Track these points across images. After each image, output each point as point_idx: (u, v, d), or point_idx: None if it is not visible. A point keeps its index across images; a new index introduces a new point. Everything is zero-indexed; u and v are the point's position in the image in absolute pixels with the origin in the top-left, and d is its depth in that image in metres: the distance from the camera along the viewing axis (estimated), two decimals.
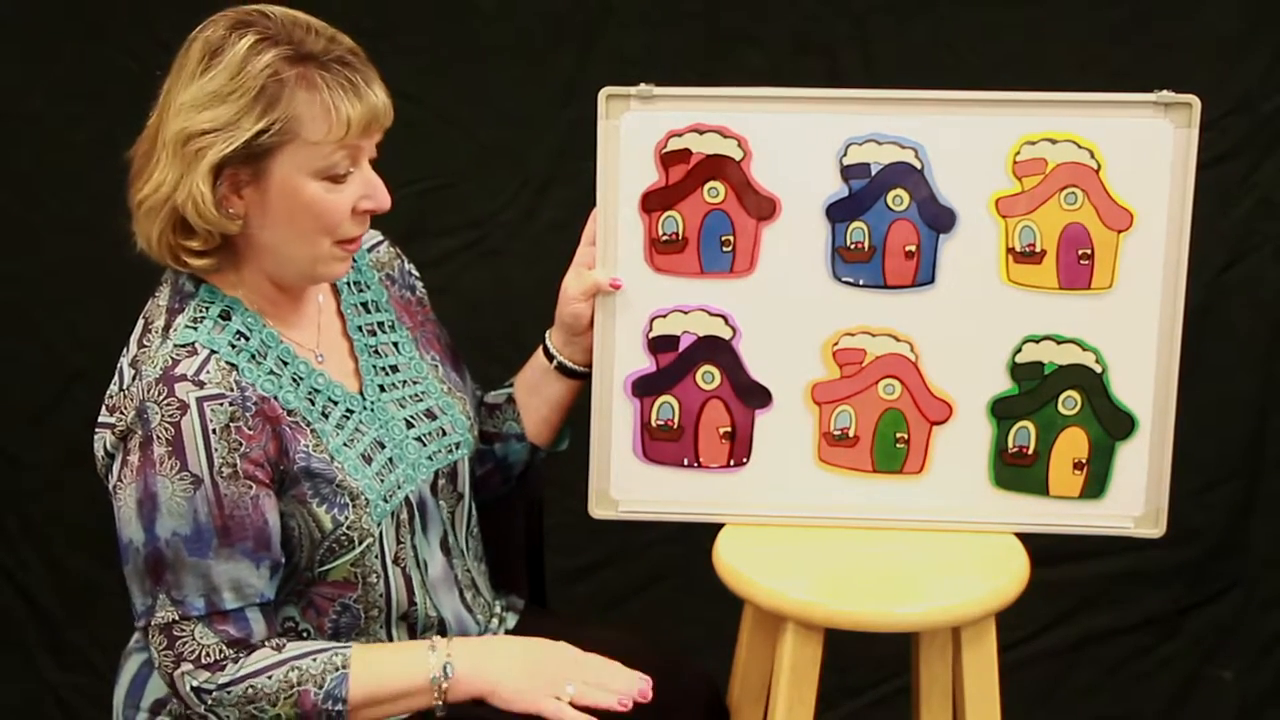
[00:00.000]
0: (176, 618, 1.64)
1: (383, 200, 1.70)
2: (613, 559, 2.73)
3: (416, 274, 1.94)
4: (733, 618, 1.99)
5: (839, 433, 1.89)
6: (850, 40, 2.57)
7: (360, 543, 1.71)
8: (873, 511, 1.90)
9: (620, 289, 1.86)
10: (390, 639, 1.78)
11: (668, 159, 1.84)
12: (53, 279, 2.69)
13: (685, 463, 1.90)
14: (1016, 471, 1.88)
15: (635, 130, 1.83)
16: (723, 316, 1.87)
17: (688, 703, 1.89)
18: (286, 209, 1.65)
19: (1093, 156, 1.81)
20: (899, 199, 1.83)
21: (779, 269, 1.85)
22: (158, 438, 1.61)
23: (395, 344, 1.85)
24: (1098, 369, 1.85)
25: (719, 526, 1.90)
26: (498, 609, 1.93)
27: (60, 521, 2.77)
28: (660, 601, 2.76)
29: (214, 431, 1.62)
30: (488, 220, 2.65)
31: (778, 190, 1.84)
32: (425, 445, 1.80)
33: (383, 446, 1.76)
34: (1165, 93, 1.80)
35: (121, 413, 1.64)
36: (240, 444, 1.63)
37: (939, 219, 1.84)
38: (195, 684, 1.64)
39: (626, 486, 1.91)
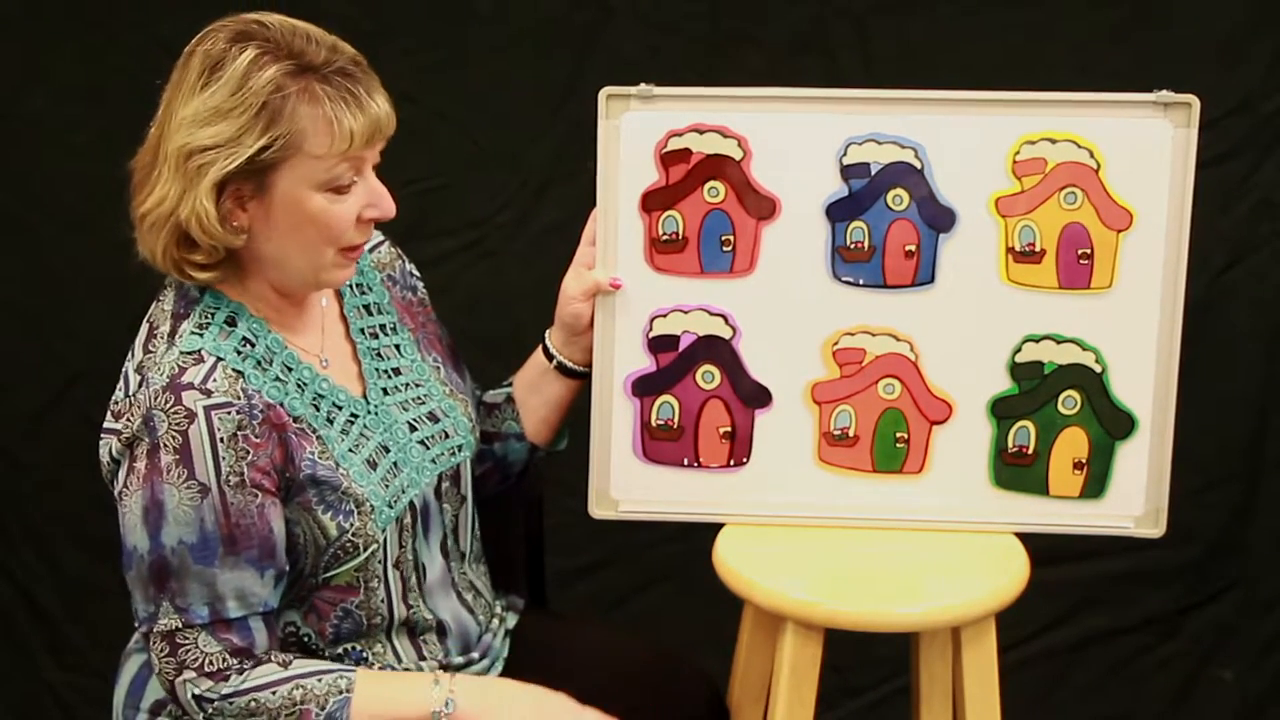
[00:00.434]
0: (180, 625, 1.64)
1: (387, 208, 1.69)
2: (613, 559, 2.73)
3: (417, 274, 1.94)
4: (733, 618, 1.99)
5: (839, 432, 1.89)
6: (850, 40, 2.57)
7: (365, 549, 1.71)
8: (873, 511, 1.90)
9: (620, 289, 1.87)
10: (391, 644, 1.78)
11: (668, 159, 1.84)
12: (53, 279, 2.69)
13: (685, 462, 1.90)
14: (1016, 471, 1.88)
15: (635, 130, 1.84)
16: (723, 316, 1.87)
17: (688, 703, 1.89)
18: (291, 221, 1.64)
19: (1092, 156, 1.81)
20: (899, 199, 1.83)
21: (779, 269, 1.85)
22: (164, 446, 1.60)
23: (398, 346, 1.85)
24: (1097, 369, 1.85)
25: (719, 526, 1.90)
26: (498, 609, 1.93)
27: (60, 521, 2.77)
28: (660, 601, 2.76)
29: (221, 440, 1.61)
30: (487, 220, 2.65)
31: (778, 190, 1.84)
32: (428, 449, 1.80)
33: (387, 451, 1.75)
34: (1165, 93, 1.80)
35: (128, 419, 1.64)
36: (247, 452, 1.63)
37: (939, 218, 1.84)
38: (197, 692, 1.64)
39: (626, 486, 1.91)
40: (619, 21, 2.56)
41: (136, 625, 1.68)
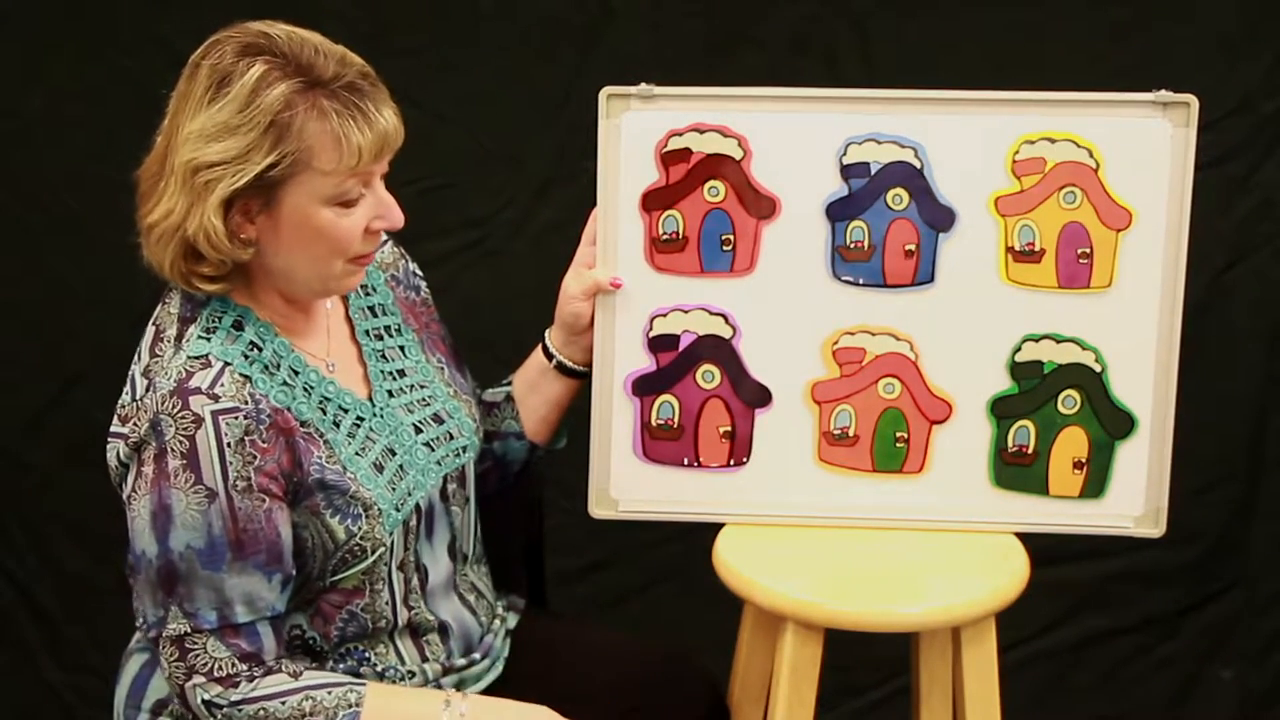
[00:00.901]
0: (188, 630, 1.64)
1: (395, 219, 1.69)
2: (613, 559, 2.73)
3: (420, 274, 1.94)
4: (733, 618, 1.99)
5: (839, 432, 1.89)
6: (850, 40, 2.57)
7: (373, 552, 1.71)
8: (872, 511, 1.90)
9: (620, 288, 1.87)
10: (394, 645, 1.77)
11: (668, 158, 1.84)
12: (53, 279, 2.69)
13: (685, 462, 1.90)
14: (1016, 471, 1.88)
15: (636, 130, 1.84)
16: (723, 315, 1.87)
17: (688, 703, 1.89)
18: (299, 235, 1.64)
19: (1091, 156, 1.81)
20: (898, 198, 1.84)
21: (779, 268, 1.86)
22: (172, 451, 1.60)
23: (402, 348, 1.85)
24: (1097, 368, 1.85)
25: (719, 526, 1.91)
26: (499, 609, 1.93)
27: (60, 521, 2.77)
28: (660, 601, 2.76)
29: (229, 445, 1.61)
30: (488, 220, 2.65)
31: (778, 189, 1.84)
32: (433, 450, 1.80)
33: (393, 454, 1.75)
34: (1163, 92, 1.80)
35: (135, 423, 1.63)
36: (254, 457, 1.63)
37: (938, 218, 1.84)
38: (207, 697, 1.64)
39: (626, 486, 1.91)
40: (619, 21, 2.56)
41: (144, 629, 1.68)
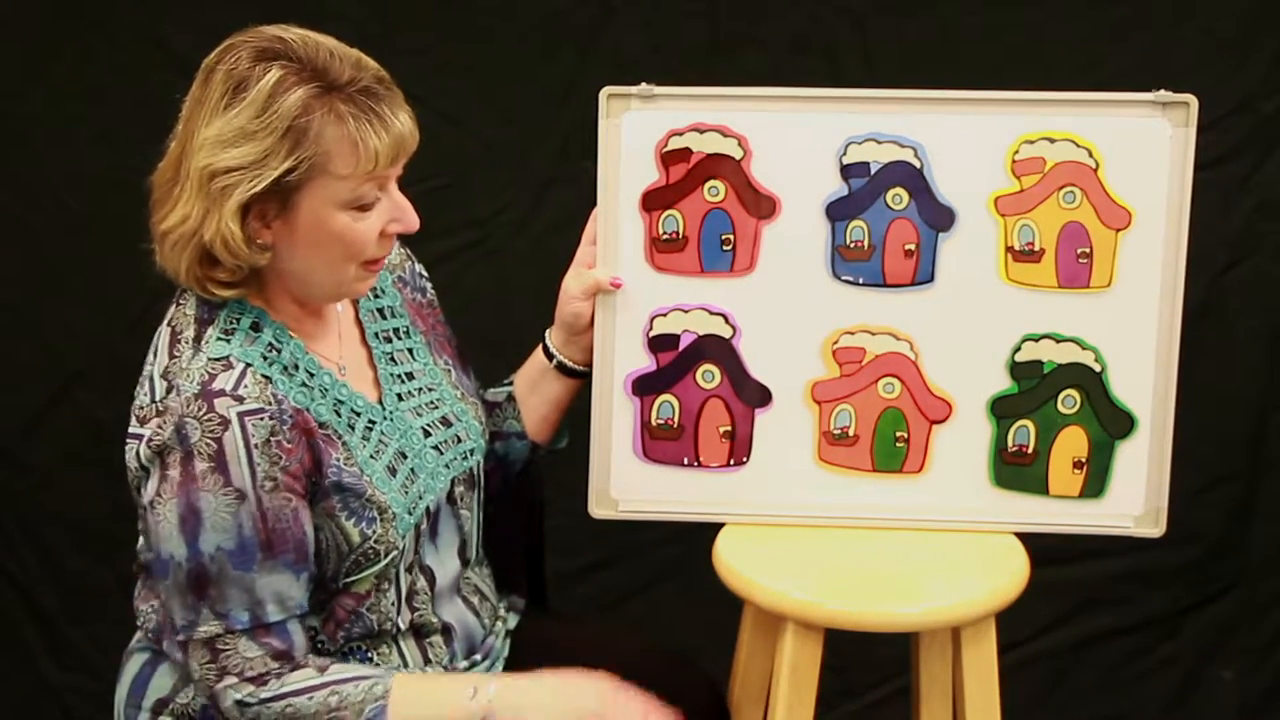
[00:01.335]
0: (221, 631, 1.63)
1: (410, 222, 1.69)
2: (613, 559, 2.73)
3: (426, 275, 1.94)
4: (733, 618, 1.99)
5: (839, 432, 1.89)
6: (850, 40, 2.57)
7: (386, 556, 1.70)
8: (873, 511, 1.90)
9: (621, 288, 1.87)
10: (397, 646, 1.77)
11: (668, 158, 1.84)
12: (53, 279, 2.69)
13: (685, 462, 1.90)
14: (1016, 470, 1.88)
15: (636, 129, 1.84)
16: (723, 315, 1.87)
17: (688, 703, 1.89)
18: (315, 239, 1.64)
19: (1091, 155, 1.81)
20: (898, 198, 1.84)
21: (779, 268, 1.86)
22: (199, 453, 1.59)
23: (410, 350, 1.85)
24: (1097, 368, 1.85)
25: (719, 526, 1.90)
26: (501, 610, 1.93)
27: (60, 521, 2.77)
28: (660, 601, 2.76)
29: (256, 446, 1.60)
30: (488, 220, 2.65)
31: (778, 189, 1.84)
32: (442, 454, 1.80)
33: (405, 457, 1.75)
34: (1163, 92, 1.80)
35: (159, 425, 1.61)
36: (280, 457, 1.62)
37: (938, 218, 1.84)
38: (239, 697, 1.64)
39: (626, 486, 1.91)
40: (620, 21, 2.56)
41: (174, 635, 1.67)
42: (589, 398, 1.90)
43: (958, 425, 1.88)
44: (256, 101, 1.58)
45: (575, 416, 1.96)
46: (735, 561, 1.81)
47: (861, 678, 2.75)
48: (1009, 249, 1.84)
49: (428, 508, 1.76)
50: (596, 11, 2.57)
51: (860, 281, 1.85)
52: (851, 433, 1.89)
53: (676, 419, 1.90)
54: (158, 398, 1.63)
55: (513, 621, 1.94)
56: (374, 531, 1.69)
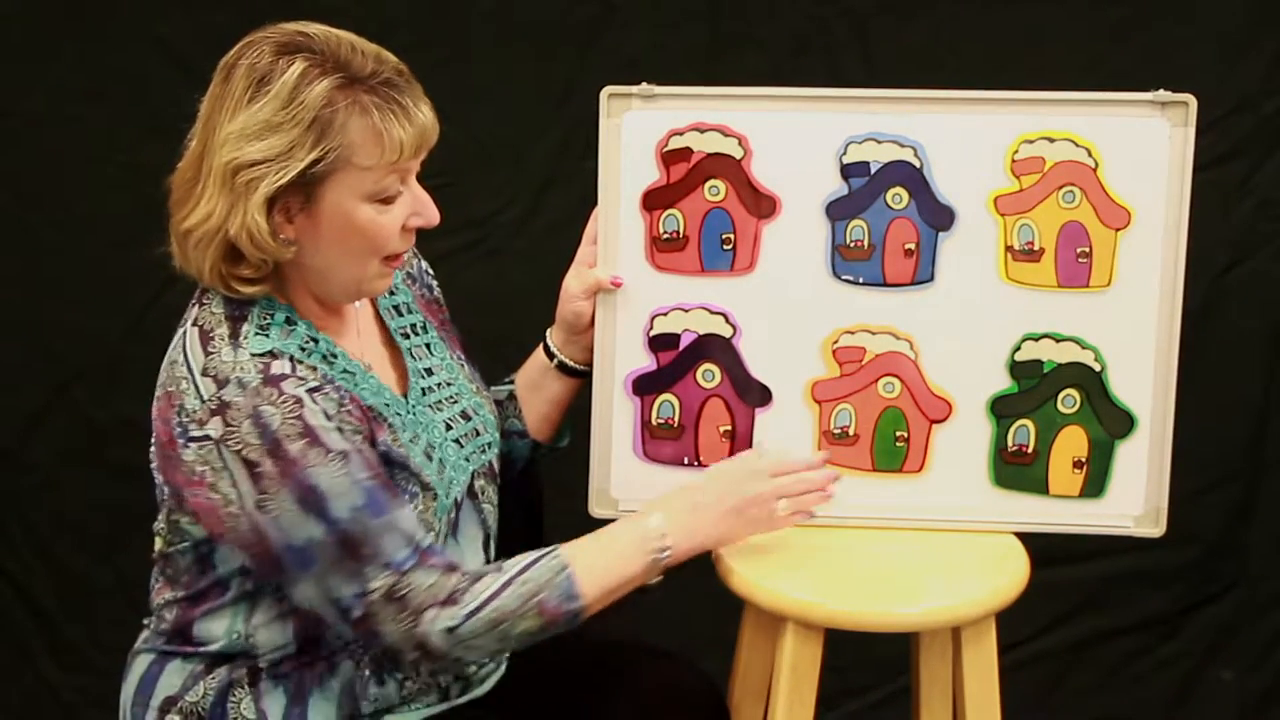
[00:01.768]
0: (393, 578, 1.62)
1: (431, 216, 1.69)
2: None
3: (431, 272, 1.94)
4: (733, 618, 1.99)
5: (839, 431, 1.89)
6: (850, 40, 2.57)
7: (427, 532, 1.71)
8: (873, 511, 1.90)
9: (621, 287, 1.87)
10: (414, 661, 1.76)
11: (669, 157, 1.84)
12: (53, 279, 2.69)
13: (685, 461, 1.90)
14: (1016, 470, 1.88)
15: (637, 129, 1.84)
16: (723, 314, 1.87)
17: (688, 703, 1.89)
18: (338, 233, 1.64)
19: (1090, 155, 1.81)
20: (898, 197, 1.84)
21: (779, 267, 1.86)
22: (286, 436, 1.59)
23: (428, 345, 1.85)
24: (1097, 367, 1.85)
25: None
26: None
27: (60, 521, 2.77)
28: (660, 601, 2.75)
29: (331, 414, 1.61)
30: (489, 219, 2.65)
31: (778, 188, 1.85)
32: (462, 447, 1.80)
33: (433, 449, 1.75)
34: (1162, 92, 1.80)
35: (228, 422, 1.59)
36: (352, 421, 1.64)
37: (938, 217, 1.84)
38: (442, 625, 1.63)
39: (627, 485, 1.91)
40: (620, 20, 2.56)
41: (350, 612, 1.63)
42: (589, 397, 1.90)
43: (958, 425, 1.88)
44: (281, 94, 1.59)
45: (575, 415, 1.96)
46: (735, 561, 1.81)
47: (861, 678, 2.75)
48: (1009, 248, 1.84)
49: (456, 499, 1.76)
50: (596, 11, 2.57)
51: (860, 281, 1.85)
52: (851, 432, 1.89)
53: (677, 418, 1.90)
54: (208, 396, 1.61)
55: None
56: (417, 506, 1.69)
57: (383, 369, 1.78)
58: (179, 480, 1.65)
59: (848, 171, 1.84)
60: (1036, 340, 1.85)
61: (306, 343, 1.67)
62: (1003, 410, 1.87)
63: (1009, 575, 1.80)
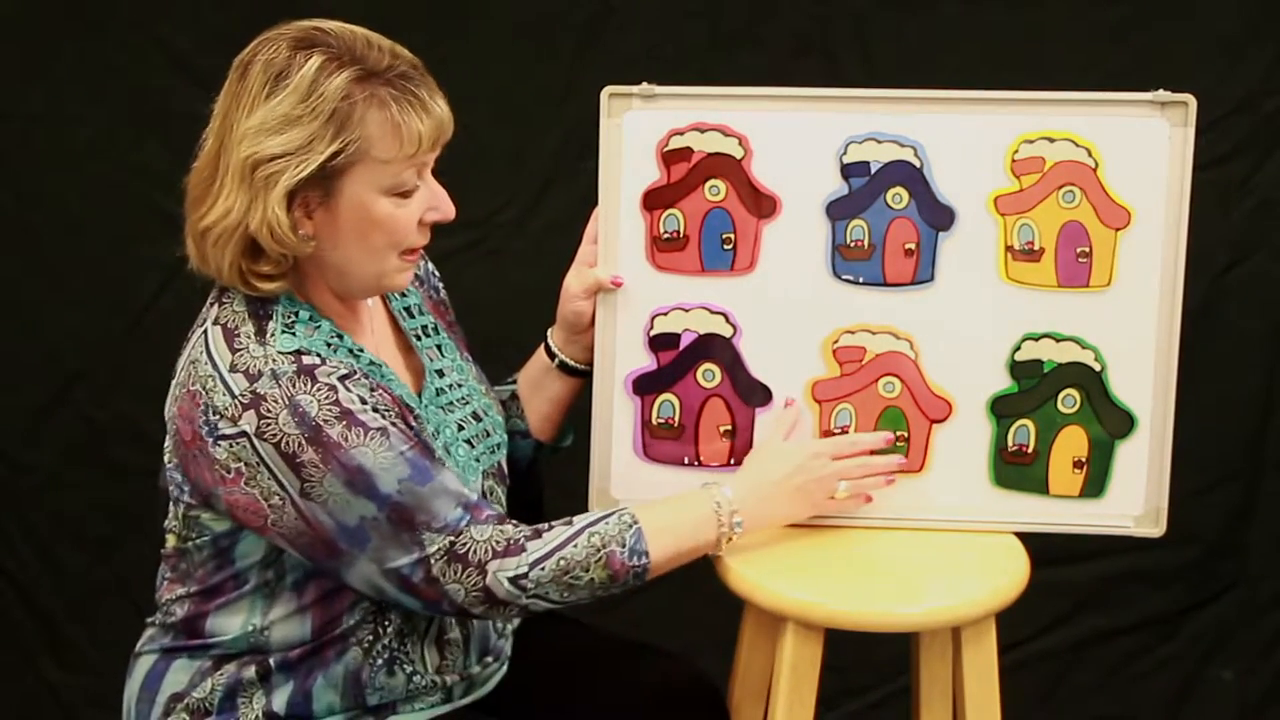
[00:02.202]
0: (451, 539, 1.63)
1: (448, 210, 1.70)
2: None
3: (438, 274, 1.95)
4: (733, 618, 1.99)
5: (839, 431, 1.89)
6: (850, 40, 2.57)
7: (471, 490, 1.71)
8: (873, 511, 1.90)
9: (621, 286, 1.87)
10: (420, 649, 1.76)
11: (669, 157, 1.84)
12: (53, 279, 2.69)
13: (686, 461, 1.91)
14: (1016, 470, 1.88)
15: (637, 129, 1.84)
16: (723, 314, 1.87)
17: (688, 703, 1.89)
18: (357, 227, 1.65)
19: (1090, 155, 1.81)
20: (898, 197, 1.84)
21: (779, 267, 1.86)
22: (325, 422, 1.59)
23: (439, 347, 1.85)
24: (1097, 367, 1.85)
25: None
26: None
27: (60, 521, 2.77)
28: (660, 601, 2.75)
29: (366, 399, 1.62)
30: (489, 219, 2.65)
31: (778, 188, 1.85)
32: (473, 448, 1.80)
33: (448, 449, 1.76)
34: (1162, 91, 1.80)
35: (263, 415, 1.60)
36: (385, 401, 1.65)
37: (938, 217, 1.84)
38: (508, 574, 1.64)
39: (627, 485, 1.91)
40: (620, 20, 2.56)
41: (410, 588, 1.64)
42: (590, 397, 1.90)
43: (958, 424, 1.88)
44: (300, 88, 1.59)
45: (576, 415, 1.96)
46: (735, 562, 1.81)
47: (861, 678, 2.75)
48: (1009, 248, 1.84)
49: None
50: (596, 11, 2.57)
51: (860, 281, 1.86)
52: (851, 431, 1.89)
53: (677, 418, 1.90)
54: (239, 391, 1.61)
55: (516, 621, 1.94)
56: None
57: (398, 369, 1.78)
58: (208, 479, 1.65)
59: (848, 171, 1.84)
60: (1036, 340, 1.85)
61: (331, 339, 1.68)
62: (1003, 410, 1.87)
63: (1009, 575, 1.80)
